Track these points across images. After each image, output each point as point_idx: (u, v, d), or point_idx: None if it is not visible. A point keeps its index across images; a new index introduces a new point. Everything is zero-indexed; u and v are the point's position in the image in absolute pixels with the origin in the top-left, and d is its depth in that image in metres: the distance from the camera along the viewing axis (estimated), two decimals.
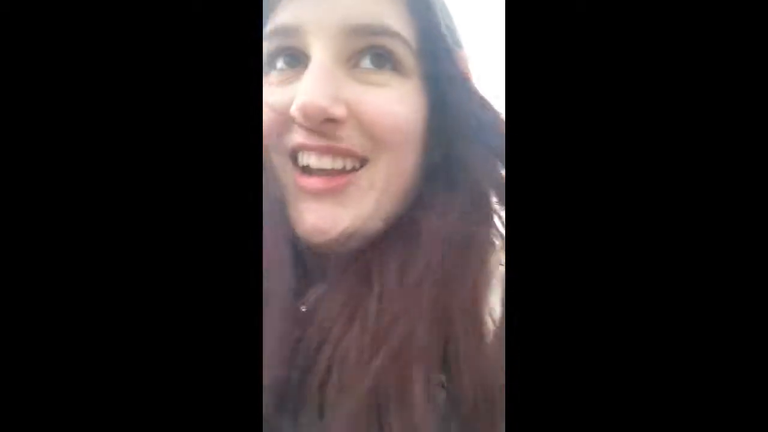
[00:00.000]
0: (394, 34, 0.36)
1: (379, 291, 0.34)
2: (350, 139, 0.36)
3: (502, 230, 0.37)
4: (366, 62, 0.36)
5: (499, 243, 0.37)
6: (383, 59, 0.36)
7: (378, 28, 0.36)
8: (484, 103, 0.39)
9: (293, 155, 0.37)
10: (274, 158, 0.37)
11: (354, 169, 0.36)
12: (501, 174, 0.38)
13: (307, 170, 0.36)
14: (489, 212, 0.38)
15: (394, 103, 0.36)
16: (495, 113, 0.39)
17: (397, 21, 0.36)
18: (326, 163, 0.36)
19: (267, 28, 0.36)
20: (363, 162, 0.37)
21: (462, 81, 0.39)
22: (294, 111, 0.34)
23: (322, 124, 0.35)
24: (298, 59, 0.37)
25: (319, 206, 0.36)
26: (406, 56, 0.36)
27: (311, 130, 0.35)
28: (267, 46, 0.37)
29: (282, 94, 0.36)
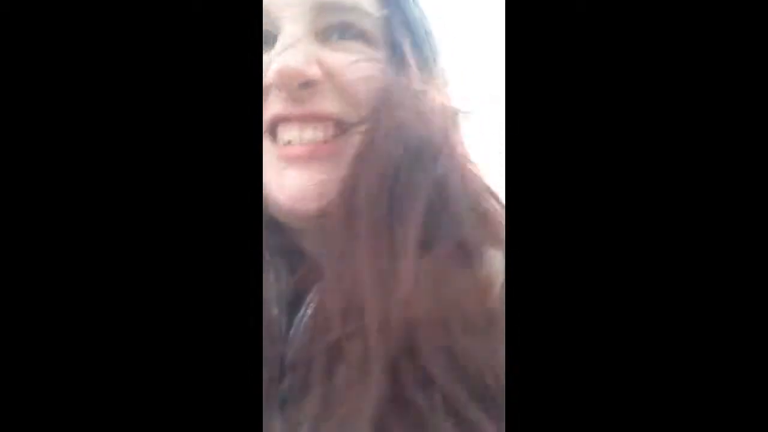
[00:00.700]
0: (362, 12, 0.37)
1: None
2: (330, 102, 0.36)
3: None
4: (336, 35, 0.37)
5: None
6: (353, 33, 0.37)
7: (347, 5, 0.37)
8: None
9: (273, 131, 0.37)
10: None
11: (337, 136, 0.36)
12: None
13: (289, 145, 0.36)
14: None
15: (368, 66, 0.36)
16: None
17: None
18: (308, 134, 0.36)
19: None
20: (343, 129, 0.36)
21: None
22: (270, 78, 0.34)
23: (300, 90, 0.35)
24: (269, 42, 0.37)
25: (305, 171, 0.35)
26: (376, 29, 0.38)
27: (289, 98, 0.35)
28: None
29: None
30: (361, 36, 0.37)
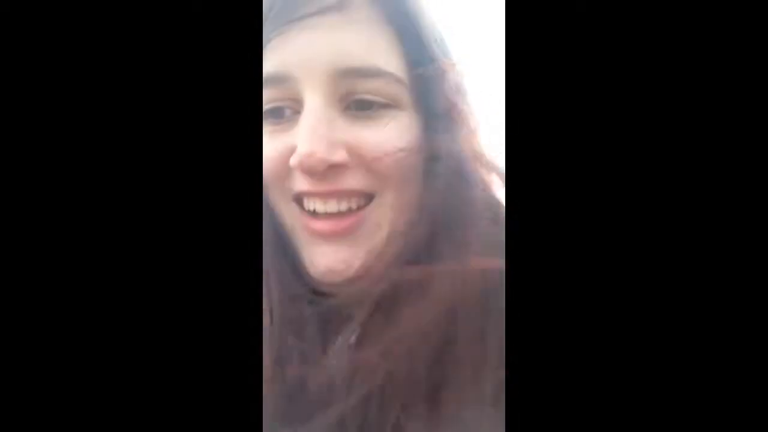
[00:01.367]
0: (385, 74, 0.36)
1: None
2: (354, 180, 0.36)
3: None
4: (359, 103, 0.36)
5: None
6: (376, 100, 0.36)
7: (369, 71, 0.35)
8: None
9: (298, 200, 0.37)
10: (278, 204, 0.38)
11: (361, 207, 0.37)
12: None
13: (314, 214, 0.37)
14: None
15: (393, 138, 0.36)
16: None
17: (387, 58, 0.36)
18: (332, 206, 0.36)
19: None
20: (369, 199, 0.37)
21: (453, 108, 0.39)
22: (294, 163, 0.34)
23: (325, 171, 0.35)
24: (291, 107, 0.37)
25: (331, 248, 0.36)
26: (399, 91, 0.36)
27: (314, 179, 0.35)
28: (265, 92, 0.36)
29: (280, 143, 0.36)
30: (385, 101, 0.36)
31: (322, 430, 0.33)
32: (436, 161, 0.37)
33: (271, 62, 0.35)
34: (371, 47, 0.36)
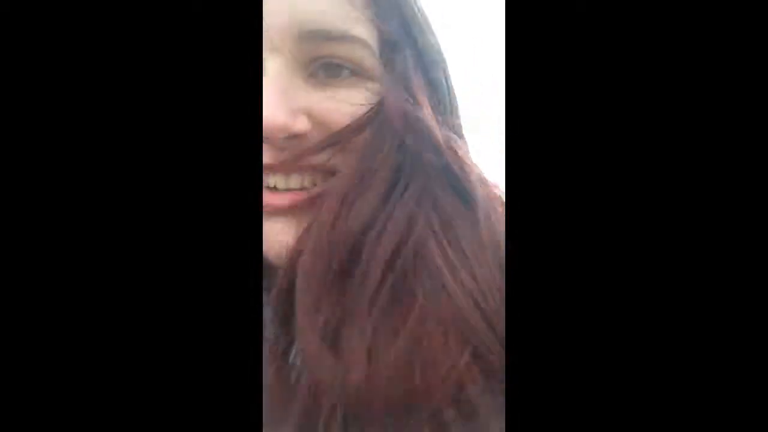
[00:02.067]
0: (354, 39, 0.34)
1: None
2: (316, 150, 0.34)
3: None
4: (325, 69, 0.34)
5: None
6: (342, 67, 0.35)
7: (336, 33, 0.34)
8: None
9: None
10: None
11: (320, 182, 0.35)
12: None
13: (274, 190, 0.35)
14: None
15: (357, 109, 0.35)
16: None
17: (357, 24, 0.34)
18: (294, 182, 0.35)
19: None
20: (331, 173, 0.35)
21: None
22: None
23: (286, 140, 0.34)
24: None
25: (288, 221, 0.35)
26: (368, 59, 0.35)
27: (275, 147, 0.34)
28: None
29: None
30: (352, 69, 0.35)
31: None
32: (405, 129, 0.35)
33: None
34: (342, 11, 0.34)
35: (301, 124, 0.33)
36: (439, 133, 0.35)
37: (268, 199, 0.34)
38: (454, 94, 0.40)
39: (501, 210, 0.35)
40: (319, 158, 0.34)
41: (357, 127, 0.34)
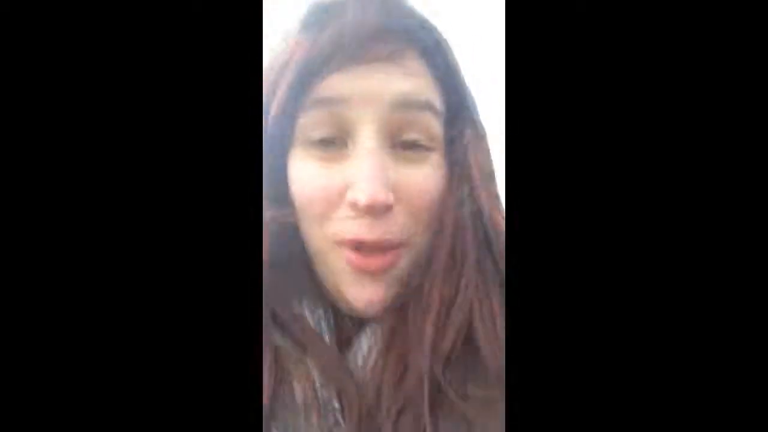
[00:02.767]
0: (434, 109, 0.38)
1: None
2: (397, 223, 0.37)
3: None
4: (405, 143, 0.37)
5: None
6: (420, 140, 0.38)
7: (421, 103, 0.37)
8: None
9: (341, 243, 0.37)
10: (309, 227, 0.38)
11: (401, 244, 0.38)
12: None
13: (356, 246, 0.37)
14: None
15: (430, 182, 0.38)
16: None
17: (433, 94, 0.38)
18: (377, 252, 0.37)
19: (306, 100, 0.37)
20: (407, 239, 0.38)
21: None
22: (362, 206, 0.35)
23: (378, 213, 0.36)
24: (339, 139, 0.37)
25: (374, 282, 0.38)
26: (437, 128, 0.38)
27: (364, 222, 0.36)
28: (305, 117, 0.37)
29: (328, 175, 0.37)
30: (425, 140, 0.38)
31: None
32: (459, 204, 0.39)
33: (327, 87, 0.36)
34: (423, 87, 0.38)
35: (391, 198, 0.36)
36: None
37: (357, 261, 0.37)
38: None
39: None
40: (404, 233, 0.38)
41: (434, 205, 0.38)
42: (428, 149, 0.38)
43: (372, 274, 0.37)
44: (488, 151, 0.41)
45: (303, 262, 0.39)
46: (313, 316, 0.39)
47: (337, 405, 0.35)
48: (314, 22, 0.38)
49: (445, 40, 0.41)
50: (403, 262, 0.38)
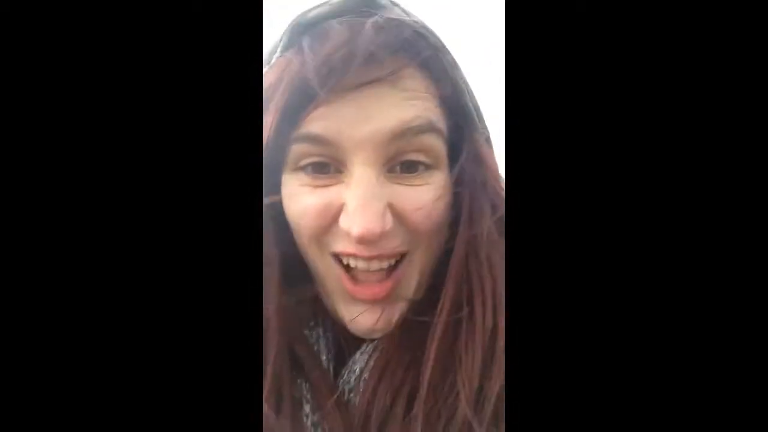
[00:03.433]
0: (437, 129, 0.37)
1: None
2: (396, 240, 0.36)
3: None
4: (405, 165, 0.37)
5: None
6: (422, 161, 0.37)
7: (423, 127, 0.36)
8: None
9: (337, 256, 0.38)
10: (309, 251, 0.38)
11: (397, 263, 0.38)
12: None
13: (352, 271, 0.37)
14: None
15: (432, 200, 0.37)
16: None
17: (435, 113, 0.37)
18: (374, 266, 0.37)
19: (295, 132, 0.36)
20: (404, 255, 0.38)
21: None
22: (354, 236, 0.34)
23: (377, 239, 0.35)
24: (334, 164, 0.37)
25: (373, 309, 0.38)
26: (439, 146, 0.37)
27: (366, 245, 0.36)
28: (297, 146, 0.36)
29: (321, 198, 0.36)
30: (427, 161, 0.37)
31: None
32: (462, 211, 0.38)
33: (316, 125, 0.35)
34: (423, 109, 0.36)
35: (389, 223, 0.35)
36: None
37: (353, 290, 0.38)
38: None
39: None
40: (401, 248, 0.37)
41: (435, 222, 0.37)
42: (429, 167, 0.37)
43: (369, 302, 0.37)
44: (492, 154, 0.40)
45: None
46: (312, 334, 0.40)
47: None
48: (297, 40, 0.37)
49: (443, 45, 0.39)
50: (404, 283, 0.38)
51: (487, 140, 0.41)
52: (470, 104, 0.40)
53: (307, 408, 0.37)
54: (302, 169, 0.37)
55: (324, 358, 0.39)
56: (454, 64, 0.40)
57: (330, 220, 0.36)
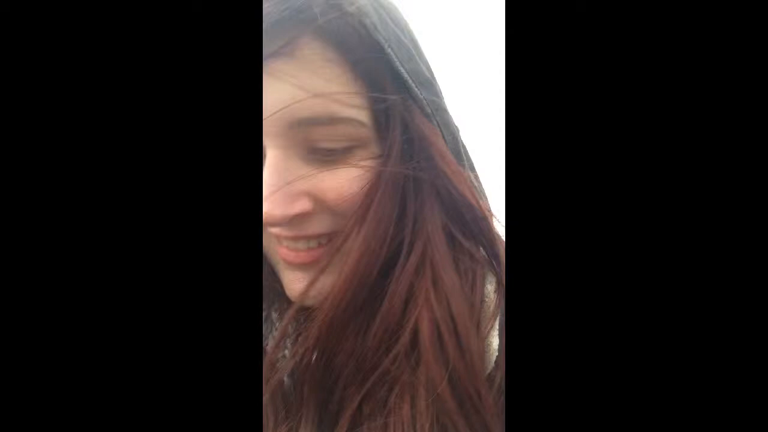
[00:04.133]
0: (341, 120, 0.35)
1: None
2: (320, 222, 0.37)
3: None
4: (320, 150, 0.36)
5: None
6: (335, 146, 0.36)
7: (322, 119, 0.34)
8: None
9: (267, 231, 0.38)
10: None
11: (328, 243, 0.38)
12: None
13: (285, 243, 0.38)
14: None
15: (355, 182, 0.36)
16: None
17: (343, 101, 0.35)
18: (301, 245, 0.38)
19: None
20: (335, 234, 0.38)
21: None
22: (264, 218, 0.34)
23: (289, 221, 0.35)
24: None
25: (304, 275, 0.38)
26: (360, 131, 0.36)
27: (279, 227, 0.36)
28: None
29: None
30: (353, 148, 0.36)
31: None
32: (412, 182, 0.37)
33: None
34: (326, 91, 0.34)
35: (301, 206, 0.35)
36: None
37: (285, 255, 0.38)
38: (460, 139, 0.42)
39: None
40: (323, 229, 0.37)
41: (356, 203, 0.36)
42: (351, 149, 0.36)
43: (302, 267, 0.38)
44: (434, 130, 0.38)
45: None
46: (267, 307, 0.40)
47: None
48: None
49: (360, 7, 0.34)
50: (336, 251, 0.37)
51: (434, 111, 0.38)
52: (402, 69, 0.36)
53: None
54: None
55: (276, 328, 0.40)
56: (383, 26, 0.36)
57: None
